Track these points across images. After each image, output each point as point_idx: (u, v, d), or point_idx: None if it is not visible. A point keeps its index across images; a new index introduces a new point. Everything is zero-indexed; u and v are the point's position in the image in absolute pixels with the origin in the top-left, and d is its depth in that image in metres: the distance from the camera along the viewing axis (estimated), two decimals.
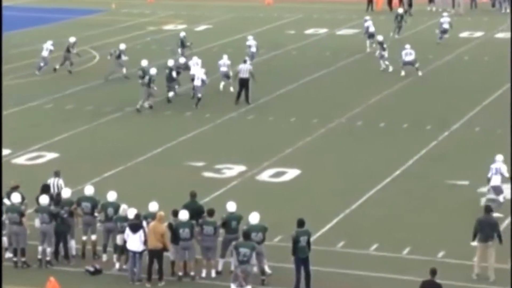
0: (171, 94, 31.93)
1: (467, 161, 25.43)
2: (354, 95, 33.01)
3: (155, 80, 31.09)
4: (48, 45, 36.80)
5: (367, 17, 41.97)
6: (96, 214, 19.48)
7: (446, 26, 41.51)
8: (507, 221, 20.92)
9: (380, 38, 37.32)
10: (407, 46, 35.85)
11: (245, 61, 32.53)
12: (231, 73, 33.13)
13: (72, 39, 36.99)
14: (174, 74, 32.03)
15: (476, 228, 18.22)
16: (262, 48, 38.26)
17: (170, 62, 32.56)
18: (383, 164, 25.16)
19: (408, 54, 35.34)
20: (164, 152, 26.97)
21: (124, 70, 35.36)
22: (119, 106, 31.84)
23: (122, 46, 36.16)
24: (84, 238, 19.50)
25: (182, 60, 34.11)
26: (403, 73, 35.42)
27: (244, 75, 31.62)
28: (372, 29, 39.91)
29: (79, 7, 53.96)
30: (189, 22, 48.15)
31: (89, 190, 19.75)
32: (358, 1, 53.89)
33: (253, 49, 36.82)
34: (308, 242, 17.84)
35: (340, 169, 25.14)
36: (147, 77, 31.00)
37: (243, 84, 31.66)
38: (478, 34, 43.78)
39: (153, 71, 31.24)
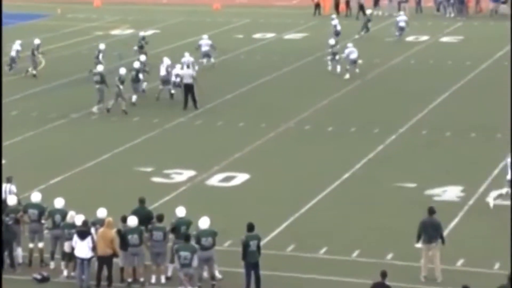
0: (134, 97, 32.01)
1: (414, 163, 25.66)
2: (302, 99, 33.13)
3: (125, 80, 31.20)
4: (17, 46, 36.99)
5: (333, 16, 43.76)
6: (43, 221, 19.23)
7: (402, 24, 43.01)
8: (454, 222, 21.16)
9: (332, 41, 37.59)
10: (349, 44, 36.50)
11: (188, 66, 32.43)
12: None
13: (36, 41, 37.15)
14: (140, 76, 32.28)
15: (420, 230, 18.39)
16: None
17: (136, 64, 32.75)
18: (331, 168, 25.28)
19: (352, 52, 35.92)
20: (112, 158, 26.75)
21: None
22: (65, 112, 31.52)
23: (102, 46, 36.47)
24: (31, 245, 19.22)
25: (143, 57, 34.37)
26: (347, 76, 35.72)
27: (187, 80, 31.54)
28: (339, 27, 41.21)
29: (24, 12, 53.32)
30: (137, 27, 47.89)
31: (36, 197, 19.49)
32: (305, 5, 54.16)
33: (204, 48, 37.04)
34: (258, 247, 17.83)
35: (289, 173, 25.20)
36: (116, 78, 30.94)
37: (188, 89, 31.55)
38: (424, 38, 44.27)
39: (122, 71, 31.38)
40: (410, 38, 43.94)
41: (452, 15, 49.99)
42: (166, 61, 33.02)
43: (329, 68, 36.90)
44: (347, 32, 43.37)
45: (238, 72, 37.54)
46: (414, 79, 36.11)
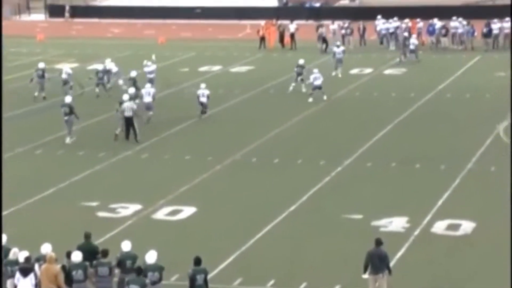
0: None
1: (360, 195, 25.82)
2: (248, 131, 33.21)
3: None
4: (67, 69, 39.54)
5: (338, 43, 45.82)
6: None
7: (412, 47, 46.22)
8: (400, 253, 21.30)
9: (301, 61, 39.14)
10: (315, 70, 37.83)
11: (130, 99, 32.43)
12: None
13: (41, 65, 39.15)
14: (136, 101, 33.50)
15: (367, 261, 18.48)
16: (156, 87, 38.12)
17: (131, 90, 34.09)
18: (278, 200, 25.30)
19: (317, 78, 37.33)
20: (57, 193, 26.42)
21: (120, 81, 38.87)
22: (9, 147, 31.08)
23: (109, 65, 39.43)
24: None
25: (134, 73, 37.01)
26: (311, 99, 37.11)
27: (128, 113, 31.54)
28: (340, 55, 43.27)
29: None
30: (81, 61, 47.63)
31: None
32: (250, 38, 54.49)
33: (152, 75, 38.77)
34: (205, 280, 17.72)
35: (236, 205, 25.15)
36: (123, 107, 31.82)
37: (128, 122, 31.53)
38: (368, 70, 44.80)
39: (125, 97, 32.30)
40: (354, 71, 44.42)
41: (394, 48, 50.68)
42: (148, 89, 34.57)
43: (291, 87, 38.85)
44: (293, 63, 43.71)
45: (184, 105, 37.51)
46: (359, 110, 36.46)
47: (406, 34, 48.25)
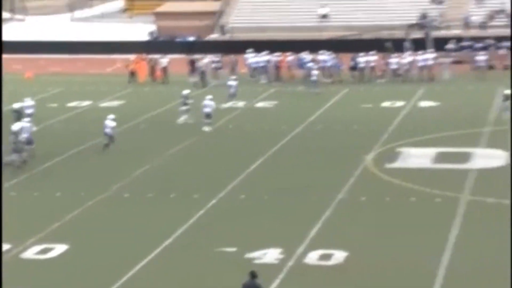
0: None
1: (234, 227, 25.86)
2: (121, 166, 32.83)
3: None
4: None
5: (234, 77, 46.40)
6: None
7: (313, 78, 46.49)
8: (274, 284, 21.41)
9: (185, 92, 40.06)
10: (208, 97, 38.71)
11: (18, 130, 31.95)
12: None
13: None
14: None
15: None
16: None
17: (15, 127, 33.66)
18: (152, 235, 25.03)
19: (207, 106, 38.32)
20: None
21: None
22: None
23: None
24: None
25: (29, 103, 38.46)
26: (206, 128, 38.06)
27: None
28: (233, 89, 44.22)
29: None
30: None
31: None
32: (120, 73, 54.08)
33: (30, 111, 38.82)
34: None
35: (109, 241, 24.73)
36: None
37: None
38: (240, 103, 45.16)
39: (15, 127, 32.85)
40: (227, 104, 44.70)
41: (265, 81, 51.28)
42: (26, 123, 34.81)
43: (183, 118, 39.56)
44: (165, 97, 43.70)
45: (53, 142, 36.78)
46: (232, 143, 36.62)
47: (310, 64, 48.67)
